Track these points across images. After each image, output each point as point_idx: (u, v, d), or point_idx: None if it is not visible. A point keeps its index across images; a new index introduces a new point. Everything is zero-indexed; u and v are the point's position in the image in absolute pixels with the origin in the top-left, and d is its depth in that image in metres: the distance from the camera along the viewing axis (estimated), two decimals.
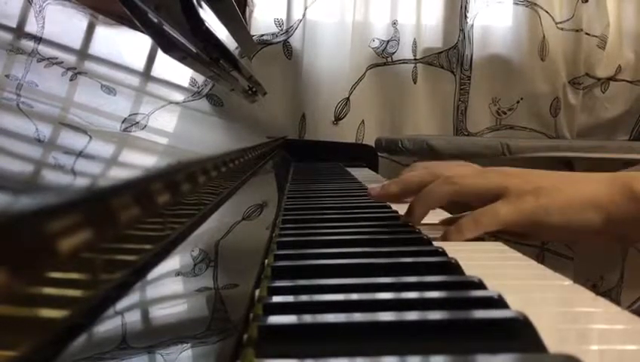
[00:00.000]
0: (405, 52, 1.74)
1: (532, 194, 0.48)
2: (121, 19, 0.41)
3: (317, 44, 1.69)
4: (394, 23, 1.73)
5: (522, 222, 0.48)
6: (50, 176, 0.19)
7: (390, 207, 0.61)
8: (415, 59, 1.74)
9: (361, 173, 1.12)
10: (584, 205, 0.48)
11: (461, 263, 0.37)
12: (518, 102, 1.78)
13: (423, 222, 0.55)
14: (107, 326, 0.19)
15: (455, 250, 0.41)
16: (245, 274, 0.35)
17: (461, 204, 0.54)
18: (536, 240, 0.55)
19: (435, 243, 0.44)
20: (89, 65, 0.31)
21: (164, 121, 0.36)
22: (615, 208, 0.47)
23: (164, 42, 0.49)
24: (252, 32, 1.66)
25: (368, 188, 0.61)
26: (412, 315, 0.27)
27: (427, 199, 0.52)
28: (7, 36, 0.25)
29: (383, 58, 1.74)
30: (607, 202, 0.48)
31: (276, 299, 0.31)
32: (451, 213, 0.61)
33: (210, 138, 0.50)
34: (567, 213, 0.48)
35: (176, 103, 0.43)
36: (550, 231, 0.49)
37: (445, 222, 0.55)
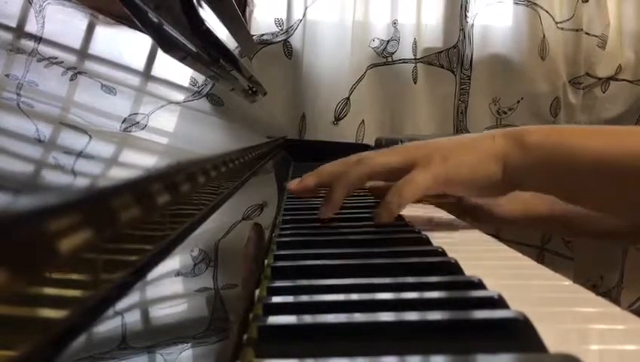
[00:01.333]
0: (405, 52, 1.73)
1: (440, 158, 0.52)
2: (121, 19, 0.41)
3: (317, 43, 1.69)
4: (394, 23, 1.72)
5: (437, 184, 0.52)
6: (50, 176, 0.19)
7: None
8: (415, 59, 1.74)
9: None
10: (486, 157, 0.52)
11: (461, 263, 0.37)
12: (518, 101, 1.78)
13: (420, 218, 0.55)
14: (107, 326, 0.19)
15: (455, 249, 0.41)
16: (245, 274, 0.35)
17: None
18: (455, 206, 0.61)
19: (435, 239, 0.44)
20: (89, 65, 0.31)
21: (164, 121, 0.36)
22: (509, 158, 0.52)
23: (164, 42, 0.49)
24: (252, 32, 1.66)
25: (287, 184, 0.61)
26: (412, 315, 0.27)
27: (344, 182, 0.55)
28: (7, 36, 0.25)
29: (383, 58, 1.74)
30: (503, 154, 0.52)
31: (276, 299, 0.31)
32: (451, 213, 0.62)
33: (210, 138, 0.50)
34: (475, 167, 0.52)
35: (176, 103, 0.43)
36: (462, 185, 0.53)
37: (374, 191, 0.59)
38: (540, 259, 1.65)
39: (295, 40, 1.70)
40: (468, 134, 0.57)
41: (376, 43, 1.73)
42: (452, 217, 0.62)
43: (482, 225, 0.63)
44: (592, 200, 0.52)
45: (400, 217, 0.57)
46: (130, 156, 0.27)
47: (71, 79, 0.27)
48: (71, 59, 0.29)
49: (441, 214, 0.64)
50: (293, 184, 0.59)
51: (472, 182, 0.53)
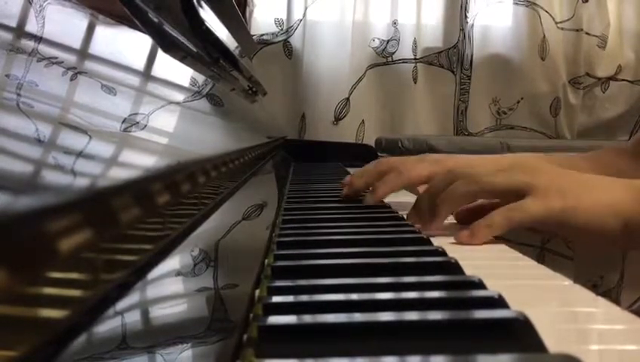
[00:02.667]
0: (405, 52, 1.73)
1: (559, 194, 0.49)
2: (121, 19, 0.41)
3: (317, 43, 1.69)
4: (394, 23, 1.72)
5: (550, 221, 0.49)
6: (50, 176, 0.19)
7: (390, 207, 0.61)
8: (415, 59, 1.74)
9: None
10: (607, 210, 0.48)
11: (461, 263, 0.37)
12: (518, 102, 1.78)
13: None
14: (107, 326, 0.19)
15: (455, 249, 0.41)
16: (245, 274, 0.35)
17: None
18: (557, 236, 0.56)
19: (435, 239, 0.44)
20: (89, 65, 0.31)
21: (164, 121, 0.36)
22: (634, 215, 0.48)
23: (164, 42, 0.49)
24: (252, 32, 1.66)
25: (368, 198, 0.63)
26: (412, 315, 0.27)
27: (451, 199, 0.52)
28: (7, 36, 0.25)
29: (383, 58, 1.74)
30: (628, 209, 0.48)
31: (276, 299, 0.31)
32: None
33: (210, 138, 0.50)
34: (592, 217, 0.48)
35: (176, 103, 0.43)
36: (575, 231, 0.50)
37: (461, 216, 0.56)
38: (540, 259, 1.65)
39: (295, 40, 1.70)
40: (592, 176, 0.53)
41: (376, 43, 1.73)
42: (452, 218, 0.62)
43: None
44: None
45: (400, 217, 0.57)
46: (130, 156, 0.27)
47: (71, 79, 0.27)
48: (71, 59, 0.29)
49: None
50: (345, 192, 0.60)
51: (585, 231, 0.49)
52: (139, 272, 0.23)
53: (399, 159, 0.64)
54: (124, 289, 0.21)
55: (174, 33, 0.53)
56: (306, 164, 1.32)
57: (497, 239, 0.51)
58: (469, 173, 0.53)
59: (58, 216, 0.15)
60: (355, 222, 0.53)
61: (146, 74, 0.41)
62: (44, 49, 0.26)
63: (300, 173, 1.11)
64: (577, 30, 1.76)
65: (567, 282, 0.36)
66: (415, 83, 1.75)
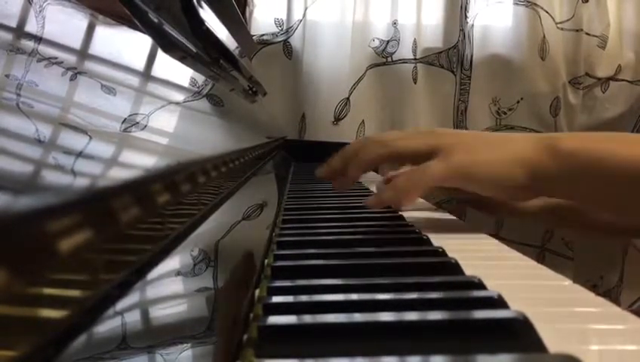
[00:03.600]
0: (405, 52, 1.73)
1: (463, 151, 0.51)
2: (121, 19, 0.41)
3: (317, 44, 1.69)
4: (394, 23, 1.72)
5: (453, 177, 0.51)
6: (50, 176, 0.19)
7: (390, 207, 0.61)
8: (415, 59, 1.74)
9: None
10: (511, 161, 0.50)
11: (461, 263, 0.37)
12: (518, 102, 1.78)
13: (421, 218, 0.55)
14: (107, 326, 0.19)
15: (455, 249, 0.41)
16: (245, 274, 0.35)
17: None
18: (466, 195, 0.58)
19: (435, 239, 0.44)
20: (89, 65, 0.31)
21: (164, 121, 0.36)
22: (540, 165, 0.50)
23: (164, 42, 0.49)
24: (252, 32, 1.66)
25: (316, 172, 0.61)
26: (412, 315, 0.27)
27: (360, 161, 0.54)
28: (7, 36, 0.25)
29: (383, 58, 1.74)
30: (533, 159, 0.50)
31: (276, 299, 0.31)
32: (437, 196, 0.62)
33: (210, 138, 0.50)
34: (495, 168, 0.50)
35: (176, 103, 0.43)
36: (479, 184, 0.52)
37: (385, 182, 0.58)
38: (540, 259, 1.65)
39: (295, 40, 1.70)
40: (499, 133, 0.56)
41: (376, 43, 1.73)
42: (453, 217, 0.62)
43: (500, 217, 0.62)
44: (627, 209, 0.51)
45: (400, 217, 0.57)
46: (130, 156, 0.27)
47: (71, 79, 0.27)
48: (71, 59, 0.29)
49: (442, 215, 0.64)
50: (320, 171, 0.59)
51: (491, 183, 0.51)
52: (139, 272, 0.23)
53: (383, 133, 0.62)
54: (124, 289, 0.21)
55: (174, 33, 0.53)
56: (306, 164, 1.32)
57: (497, 239, 0.51)
58: (378, 138, 0.56)
59: (58, 216, 0.15)
60: (355, 222, 0.53)
61: (146, 74, 0.41)
62: (44, 49, 0.26)
63: (300, 173, 1.11)
64: (577, 30, 1.76)
65: (567, 282, 0.36)
66: (415, 83, 1.75)
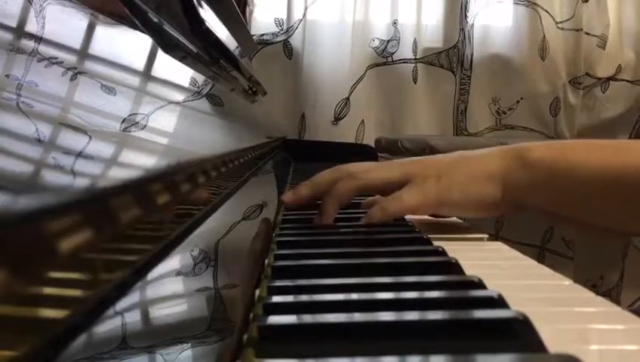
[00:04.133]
0: (405, 52, 1.73)
1: (433, 177, 0.51)
2: (121, 19, 0.41)
3: (317, 43, 1.69)
4: (394, 23, 1.72)
5: (427, 204, 0.51)
6: (50, 176, 0.19)
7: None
8: (415, 59, 1.74)
9: None
10: (482, 178, 0.51)
11: (461, 263, 0.37)
12: (518, 102, 1.78)
13: (423, 220, 0.55)
14: (107, 326, 0.19)
15: (455, 249, 0.41)
16: (245, 274, 0.35)
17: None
18: (446, 216, 0.58)
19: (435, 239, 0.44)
20: (89, 65, 0.31)
21: (164, 121, 0.36)
22: (510, 177, 0.50)
23: (164, 42, 0.49)
24: (252, 32, 1.66)
25: (281, 196, 0.60)
26: (412, 315, 0.27)
27: (335, 196, 0.54)
28: (7, 36, 0.25)
29: (383, 58, 1.74)
30: (503, 172, 0.50)
31: (276, 299, 0.31)
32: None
33: (210, 138, 0.50)
34: (467, 188, 0.51)
35: (176, 103, 0.43)
36: (454, 207, 0.52)
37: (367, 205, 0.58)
38: (540, 259, 1.65)
39: (295, 40, 1.70)
40: (466, 151, 0.54)
41: (376, 43, 1.73)
42: (453, 218, 0.62)
43: (493, 216, 0.61)
44: (596, 217, 0.51)
45: (400, 217, 0.57)
46: (130, 156, 0.27)
47: (71, 79, 0.27)
48: (71, 59, 0.29)
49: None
50: (287, 196, 0.58)
51: (464, 204, 0.51)
52: (139, 272, 0.23)
53: (355, 164, 0.59)
54: (124, 289, 0.21)
55: (174, 33, 0.53)
56: (306, 164, 1.32)
57: (497, 239, 0.51)
58: (350, 170, 0.55)
59: (58, 216, 0.15)
60: (355, 222, 0.53)
61: (146, 74, 0.41)
62: (44, 49, 0.26)
63: (300, 173, 1.11)
64: (577, 30, 1.76)
65: (567, 282, 0.36)
66: (415, 83, 1.75)
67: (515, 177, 0.50)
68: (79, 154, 0.21)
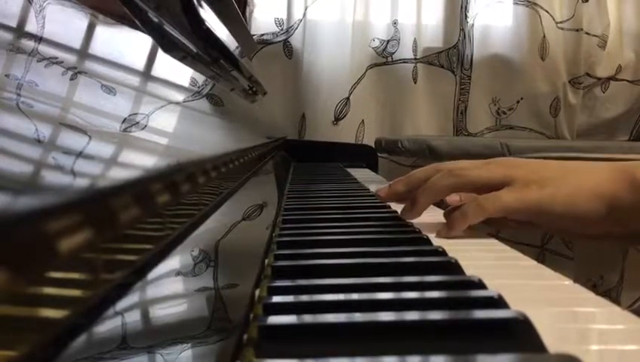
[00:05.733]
0: (405, 52, 1.73)
1: (536, 184, 0.49)
2: (121, 19, 0.41)
3: (317, 43, 1.69)
4: (394, 23, 1.73)
5: (526, 210, 0.49)
6: (50, 176, 0.19)
7: (390, 207, 0.61)
8: (415, 59, 1.74)
9: (360, 174, 1.12)
10: (588, 194, 0.48)
11: (461, 263, 0.37)
12: (518, 102, 1.78)
13: (422, 220, 0.55)
14: (107, 326, 0.19)
15: (455, 249, 0.41)
16: (245, 274, 0.35)
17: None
18: (539, 229, 0.56)
19: (435, 239, 0.44)
20: (89, 65, 0.31)
21: (164, 121, 0.36)
22: (617, 197, 0.48)
23: (164, 42, 0.49)
24: (252, 32, 1.66)
25: (376, 190, 0.60)
26: (412, 315, 0.27)
27: (430, 190, 0.53)
28: (7, 36, 0.25)
29: (383, 58, 1.74)
30: (610, 191, 0.48)
31: (276, 299, 0.31)
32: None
33: (210, 138, 0.50)
34: (571, 202, 0.48)
35: (176, 103, 0.43)
36: (554, 220, 0.50)
37: (447, 214, 0.56)
38: (540, 259, 1.65)
39: (295, 40, 1.70)
40: (574, 162, 0.52)
41: (377, 43, 1.73)
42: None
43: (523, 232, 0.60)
44: None
45: (400, 217, 0.57)
46: (130, 156, 0.27)
47: (71, 79, 0.27)
48: (71, 59, 0.29)
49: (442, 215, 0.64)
50: (382, 191, 0.58)
51: (566, 216, 0.49)
52: (139, 272, 0.23)
53: (454, 161, 0.58)
54: (124, 289, 0.21)
55: (174, 33, 0.53)
56: (306, 164, 1.32)
57: (497, 239, 0.51)
58: (449, 167, 0.54)
59: (58, 216, 0.15)
60: (355, 222, 0.53)
61: (146, 74, 0.41)
62: (44, 49, 0.26)
63: (300, 173, 1.11)
64: (577, 30, 1.76)
65: (567, 282, 0.36)
66: (415, 83, 1.75)
67: (623, 198, 0.47)
68: (79, 154, 0.21)
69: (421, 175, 0.56)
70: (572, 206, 0.48)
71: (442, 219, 0.61)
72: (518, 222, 0.54)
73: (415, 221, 0.56)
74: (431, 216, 0.61)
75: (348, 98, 1.72)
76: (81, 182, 0.20)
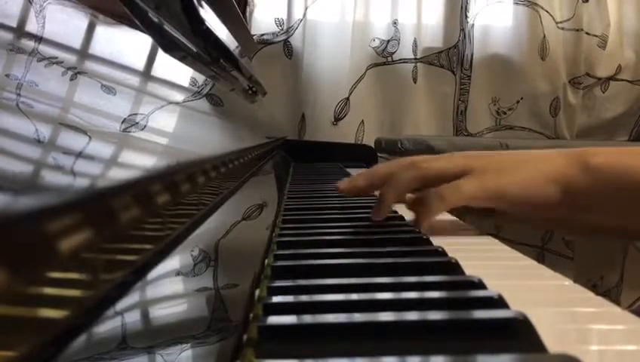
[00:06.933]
0: (405, 51, 1.73)
1: (495, 172, 0.51)
2: (121, 19, 0.41)
3: (317, 43, 1.69)
4: (394, 23, 1.73)
5: (485, 198, 0.51)
6: (50, 176, 0.19)
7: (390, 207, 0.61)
8: (415, 59, 1.74)
9: None
10: (544, 179, 0.50)
11: (461, 263, 0.37)
12: (518, 102, 1.78)
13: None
14: (107, 326, 0.19)
15: (455, 249, 0.41)
16: (245, 274, 0.35)
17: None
18: (499, 216, 0.57)
19: (435, 239, 0.44)
20: (89, 65, 0.31)
21: (164, 121, 0.36)
22: (572, 180, 0.49)
23: (164, 42, 0.49)
24: (252, 32, 1.66)
25: (337, 183, 0.60)
26: (412, 315, 0.27)
27: (395, 185, 0.54)
28: (7, 36, 0.25)
29: (384, 58, 1.74)
30: (564, 175, 0.50)
31: (276, 299, 0.31)
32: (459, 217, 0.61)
33: (210, 138, 0.50)
34: (528, 187, 0.50)
35: (176, 103, 0.43)
36: (513, 203, 0.51)
37: (412, 202, 0.57)
38: (540, 259, 1.65)
39: (295, 40, 1.70)
40: (528, 150, 0.54)
41: (377, 43, 1.73)
42: (453, 217, 0.62)
43: (485, 222, 0.61)
44: None
45: (400, 217, 0.57)
46: (130, 156, 0.27)
47: (71, 79, 0.27)
48: (71, 59, 0.29)
49: (442, 215, 0.64)
50: (343, 183, 0.58)
51: (524, 201, 0.50)
52: (139, 272, 0.23)
53: (413, 156, 0.59)
54: (124, 289, 0.21)
55: (174, 33, 0.53)
56: (306, 165, 1.32)
57: (497, 239, 0.51)
58: (410, 160, 0.55)
59: (58, 216, 0.15)
60: (355, 222, 0.53)
61: (146, 74, 0.41)
62: (44, 49, 0.26)
63: (299, 173, 1.11)
64: (577, 30, 1.76)
65: (567, 282, 0.36)
66: (415, 83, 1.75)
67: (578, 182, 0.49)
68: (79, 154, 0.21)
69: (382, 169, 0.57)
70: (529, 191, 0.50)
71: (441, 218, 0.61)
72: (479, 212, 0.55)
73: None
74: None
75: (348, 98, 1.72)
76: (81, 182, 0.20)
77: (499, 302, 0.29)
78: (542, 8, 1.75)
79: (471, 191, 0.50)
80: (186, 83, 0.51)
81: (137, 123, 0.30)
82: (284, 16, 1.70)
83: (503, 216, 0.56)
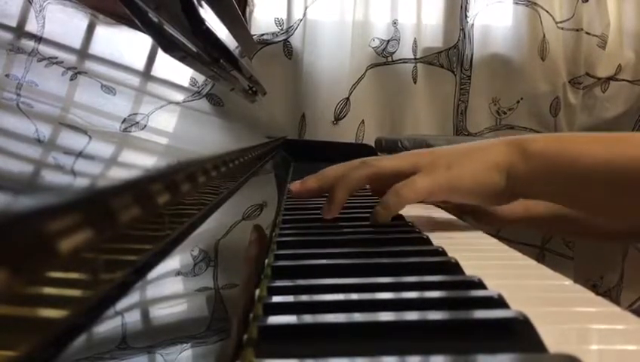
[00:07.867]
0: (405, 51, 1.73)
1: (443, 166, 0.53)
2: (121, 19, 0.41)
3: (317, 43, 1.69)
4: (394, 23, 1.72)
5: (439, 191, 0.53)
6: (50, 176, 0.19)
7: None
8: (415, 59, 1.74)
9: None
10: (488, 168, 0.52)
11: (461, 263, 0.37)
12: (518, 101, 1.78)
13: (421, 219, 0.55)
14: (107, 326, 0.19)
15: (455, 249, 0.41)
16: (245, 274, 0.35)
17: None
18: (455, 207, 0.62)
19: (435, 239, 0.44)
20: (89, 65, 0.31)
21: (164, 121, 0.36)
22: (513, 167, 0.52)
23: (164, 42, 0.49)
24: (252, 32, 1.66)
25: (289, 185, 0.61)
26: (412, 315, 0.27)
27: (347, 183, 0.55)
28: (7, 36, 0.25)
29: (383, 57, 1.74)
30: (506, 162, 0.52)
31: (276, 299, 0.31)
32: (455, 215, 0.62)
33: (210, 138, 0.50)
34: (476, 176, 0.52)
35: (176, 103, 0.43)
36: (465, 194, 0.54)
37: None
38: (540, 259, 1.65)
39: (295, 40, 1.70)
40: (473, 142, 0.57)
41: (377, 43, 1.73)
42: (453, 217, 0.62)
43: (483, 225, 0.63)
44: (594, 207, 0.53)
45: (400, 217, 0.57)
46: (130, 156, 0.27)
47: (71, 79, 0.27)
48: (71, 59, 0.29)
49: (442, 214, 0.64)
50: (294, 185, 0.59)
51: (474, 191, 0.53)
52: (139, 272, 0.23)
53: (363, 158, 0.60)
54: (124, 289, 0.21)
55: (174, 33, 0.53)
56: (306, 164, 1.32)
57: (497, 239, 0.51)
58: (361, 160, 0.57)
59: (58, 216, 0.15)
60: (355, 222, 0.53)
61: (146, 74, 0.41)
62: (44, 49, 0.26)
63: (299, 173, 1.11)
64: (577, 30, 1.76)
65: (567, 282, 0.36)
66: (415, 83, 1.75)
67: (517, 167, 0.52)
68: (79, 154, 0.21)
69: (333, 172, 0.58)
70: (477, 179, 0.52)
71: (439, 217, 0.61)
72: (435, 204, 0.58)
73: (413, 219, 0.56)
74: (429, 214, 0.61)
75: (348, 98, 1.71)
76: (82, 182, 0.20)
77: (499, 302, 0.29)
78: (542, 8, 1.75)
79: (425, 188, 0.52)
80: (186, 83, 0.51)
81: (137, 123, 0.30)
82: (284, 16, 1.70)
83: (461, 211, 0.59)
